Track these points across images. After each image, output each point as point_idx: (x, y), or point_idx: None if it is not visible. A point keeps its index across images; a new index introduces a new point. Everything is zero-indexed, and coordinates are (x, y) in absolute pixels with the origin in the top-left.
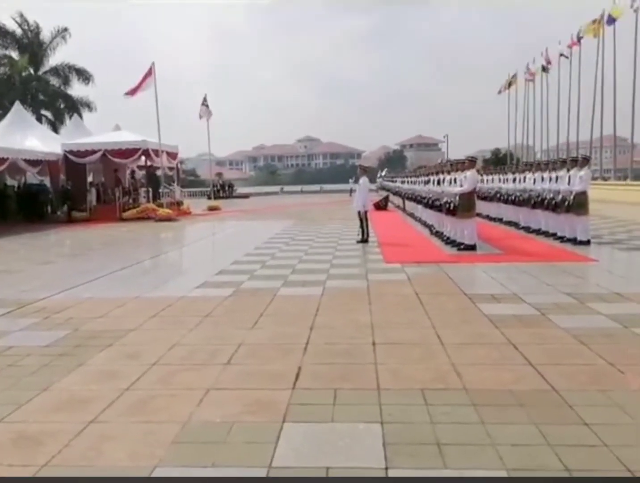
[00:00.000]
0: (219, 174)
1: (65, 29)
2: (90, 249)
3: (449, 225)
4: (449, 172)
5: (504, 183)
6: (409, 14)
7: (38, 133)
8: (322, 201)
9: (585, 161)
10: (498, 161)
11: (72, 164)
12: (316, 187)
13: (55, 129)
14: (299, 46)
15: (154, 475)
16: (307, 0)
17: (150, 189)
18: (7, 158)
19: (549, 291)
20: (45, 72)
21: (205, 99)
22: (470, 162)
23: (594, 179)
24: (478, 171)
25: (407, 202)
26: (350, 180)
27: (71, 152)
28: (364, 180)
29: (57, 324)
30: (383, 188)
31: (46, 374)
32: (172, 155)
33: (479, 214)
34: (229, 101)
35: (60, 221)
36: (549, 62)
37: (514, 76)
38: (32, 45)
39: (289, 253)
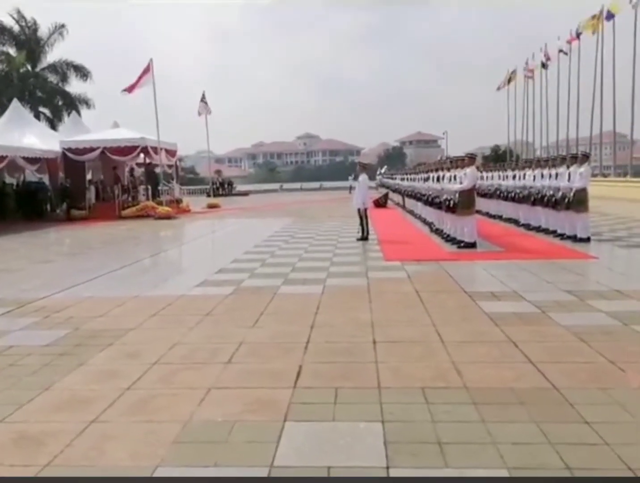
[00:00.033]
0: (218, 172)
1: (63, 26)
2: (90, 247)
3: (448, 222)
4: (448, 170)
5: (503, 180)
6: (409, 14)
7: (36, 131)
8: (322, 198)
9: (585, 157)
10: (498, 158)
11: (71, 162)
12: (316, 184)
13: (54, 127)
14: (298, 45)
15: (155, 475)
16: (306, 0)
17: (149, 187)
18: (6, 156)
19: (549, 288)
20: (43, 69)
21: (203, 96)
22: (470, 159)
23: (594, 175)
24: (478, 168)
25: (406, 199)
26: (350, 177)
27: (70, 149)
28: (363, 177)
29: (57, 323)
30: (382, 185)
31: (47, 373)
32: (171, 152)
33: (478, 212)
34: (228, 99)
35: (59, 219)
36: (548, 59)
37: (514, 72)
38: (29, 42)
39: (289, 251)
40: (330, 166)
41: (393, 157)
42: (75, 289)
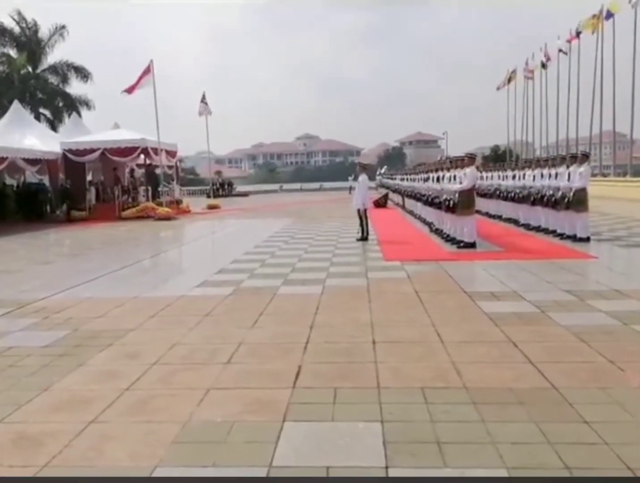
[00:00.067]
0: (218, 173)
1: (63, 27)
2: (90, 248)
3: (448, 222)
4: (448, 170)
5: (503, 179)
6: (409, 14)
7: (37, 132)
8: (322, 198)
9: (585, 157)
10: (497, 158)
11: (71, 163)
12: (315, 185)
13: (54, 128)
14: (298, 45)
15: (154, 475)
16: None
17: (149, 188)
18: (6, 157)
19: (549, 288)
20: (44, 71)
21: (204, 97)
22: (470, 159)
23: (594, 175)
24: (477, 168)
25: (406, 199)
26: (350, 178)
27: (70, 151)
28: (363, 178)
29: (57, 324)
30: (382, 186)
31: (46, 374)
32: (171, 153)
33: (478, 212)
34: (228, 99)
35: (59, 221)
36: (548, 59)
37: (513, 72)
38: (30, 43)
39: (289, 251)
40: (330, 167)
41: (393, 158)
42: (75, 290)
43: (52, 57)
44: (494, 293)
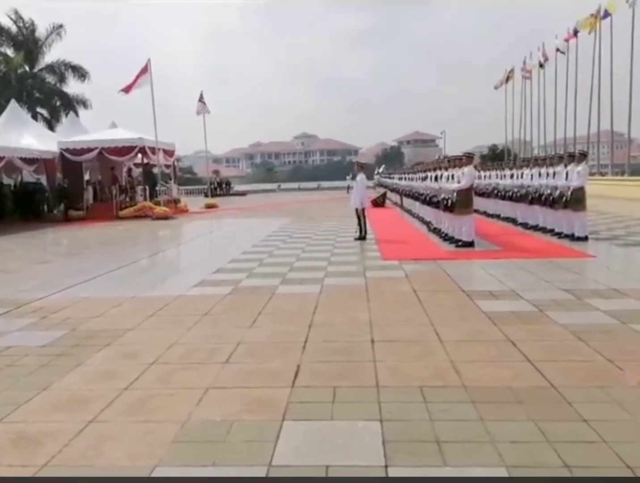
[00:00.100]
0: (216, 172)
1: (61, 26)
2: (87, 248)
3: (446, 222)
4: (446, 169)
5: (501, 179)
6: (409, 14)
7: (34, 131)
8: (320, 198)
9: (583, 156)
10: (495, 157)
11: (69, 162)
12: (313, 184)
13: (51, 127)
14: (298, 45)
15: (154, 474)
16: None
17: (147, 187)
18: (3, 157)
19: (547, 287)
20: (41, 70)
21: (201, 96)
22: (468, 158)
23: (591, 174)
24: (475, 167)
25: (404, 199)
26: (348, 177)
27: (67, 150)
28: (361, 177)
29: (55, 324)
30: (380, 185)
31: (45, 374)
32: (168, 153)
33: (476, 211)
34: (226, 99)
35: (57, 220)
36: (546, 58)
37: (511, 71)
38: (27, 42)
39: (287, 250)
40: (328, 166)
41: (391, 157)
42: (72, 290)
43: (50, 56)
44: (492, 292)
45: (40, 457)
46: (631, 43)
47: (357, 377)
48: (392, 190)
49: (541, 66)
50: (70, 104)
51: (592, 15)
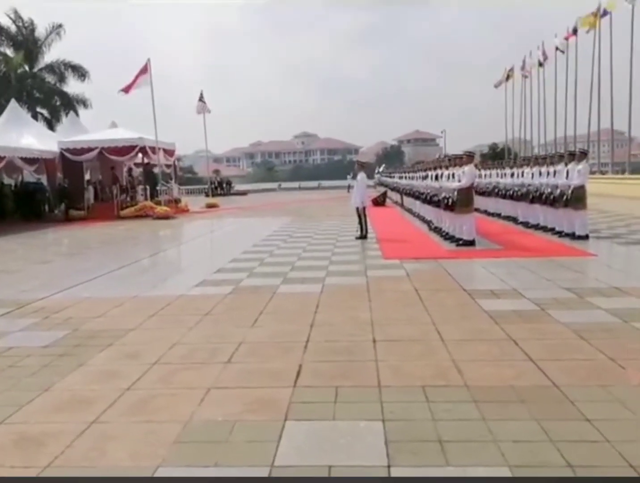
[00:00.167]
0: (217, 171)
1: (60, 25)
2: (88, 248)
3: (447, 221)
4: (446, 168)
5: (502, 177)
6: (409, 14)
7: (34, 131)
8: (320, 197)
9: (583, 154)
10: (496, 156)
11: (69, 162)
12: (314, 183)
13: (52, 127)
14: (298, 45)
15: (156, 475)
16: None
17: (147, 187)
18: (4, 157)
19: (548, 286)
20: (41, 70)
21: (202, 96)
22: (468, 157)
23: (592, 173)
24: (476, 165)
25: (405, 198)
26: (348, 176)
27: (68, 150)
28: (361, 176)
29: (57, 324)
30: (381, 184)
31: (47, 374)
32: (169, 152)
33: (477, 210)
34: (227, 99)
35: (57, 220)
36: (545, 58)
37: (511, 70)
38: (27, 42)
39: (288, 250)
40: (329, 165)
41: (391, 156)
42: (74, 290)
43: (49, 56)
44: (493, 291)
45: (43, 457)
46: (631, 41)
47: (359, 377)
48: (393, 189)
49: (541, 64)
50: (71, 104)
51: (593, 13)
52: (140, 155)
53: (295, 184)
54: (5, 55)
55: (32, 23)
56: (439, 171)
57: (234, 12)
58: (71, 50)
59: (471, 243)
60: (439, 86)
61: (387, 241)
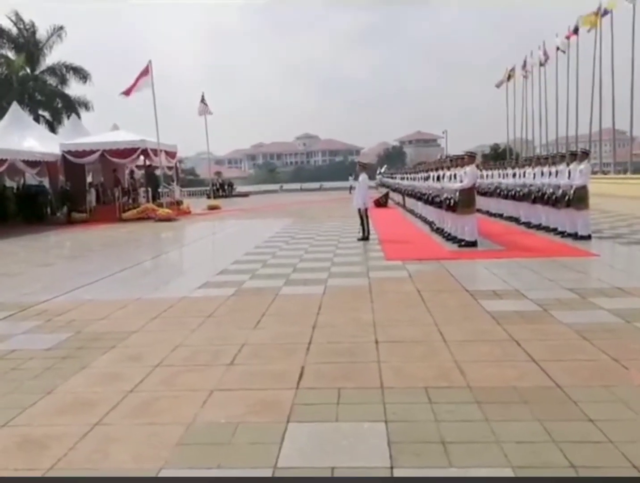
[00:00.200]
0: (218, 173)
1: (61, 28)
2: (91, 250)
3: (449, 221)
4: (448, 168)
5: (503, 178)
6: (409, 14)
7: (36, 134)
8: (322, 198)
9: (585, 154)
10: (497, 156)
11: (71, 165)
12: (316, 184)
13: (53, 129)
14: (298, 45)
15: (159, 476)
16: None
17: (149, 189)
18: (6, 159)
19: (551, 286)
20: (42, 72)
21: (203, 97)
22: (470, 157)
23: (594, 173)
24: (477, 166)
25: (407, 199)
26: (350, 177)
27: (69, 152)
28: (363, 177)
29: (59, 327)
30: (383, 185)
31: (50, 377)
32: (171, 154)
33: (479, 210)
34: (227, 99)
35: (59, 223)
36: (546, 58)
37: (512, 70)
38: (28, 44)
39: (290, 251)
40: (330, 166)
41: (393, 157)
42: (76, 293)
43: (51, 58)
44: (496, 292)
45: (46, 460)
46: (632, 40)
47: (361, 378)
48: (395, 190)
49: (542, 64)
50: (72, 106)
51: (594, 12)
52: (142, 157)
53: (297, 186)
54: (6, 58)
55: (33, 25)
56: (440, 172)
57: (234, 12)
58: (71, 51)
59: (473, 243)
60: (439, 86)
61: (389, 242)
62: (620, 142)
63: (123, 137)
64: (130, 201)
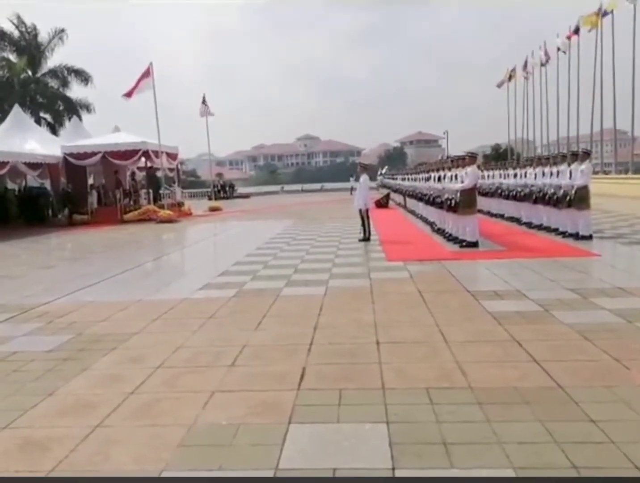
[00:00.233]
0: (219, 175)
1: (63, 30)
2: (92, 252)
3: (450, 222)
4: (449, 169)
5: (505, 178)
6: (409, 14)
7: (37, 136)
8: (323, 199)
9: (586, 154)
10: (498, 157)
11: (72, 167)
12: (317, 186)
13: (55, 132)
14: (298, 45)
15: (162, 476)
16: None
17: (150, 191)
18: (8, 162)
19: (552, 286)
20: (44, 74)
21: (204, 99)
22: (471, 158)
23: (595, 173)
24: (479, 166)
25: (408, 199)
26: (351, 178)
27: (71, 154)
28: (364, 178)
29: (61, 328)
30: (384, 186)
31: (51, 379)
32: (172, 156)
33: (480, 211)
34: (228, 100)
35: (61, 225)
36: (548, 58)
37: (513, 70)
38: (29, 47)
39: (291, 252)
40: (331, 167)
41: (394, 158)
42: (77, 294)
43: (52, 61)
44: (497, 292)
45: (47, 462)
46: (633, 40)
47: (362, 379)
48: (396, 191)
49: (543, 64)
50: (74, 109)
51: (595, 13)
52: (143, 159)
53: (298, 187)
54: (8, 60)
55: (34, 28)
56: (441, 173)
57: (234, 12)
58: (72, 52)
59: (474, 244)
60: (439, 86)
61: (390, 243)
62: (621, 142)
63: (124, 139)
64: (132, 202)
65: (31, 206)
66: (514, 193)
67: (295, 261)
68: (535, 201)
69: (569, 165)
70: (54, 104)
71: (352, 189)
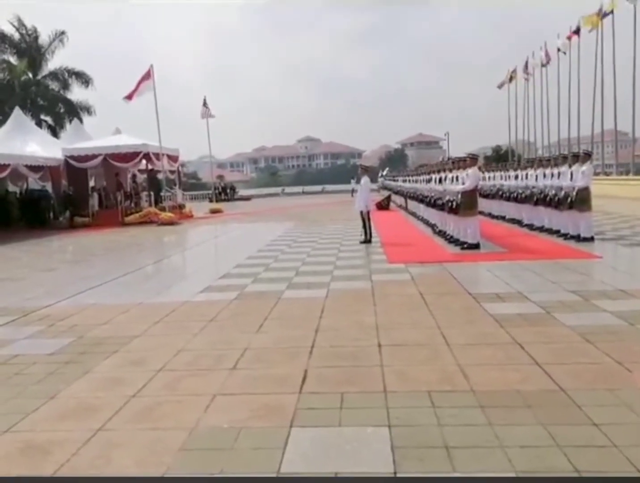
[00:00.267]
0: (220, 177)
1: (63, 32)
2: (93, 255)
3: (451, 224)
4: (450, 171)
5: (506, 180)
6: (409, 14)
7: (38, 138)
8: (324, 201)
9: (587, 156)
10: (499, 158)
11: (74, 169)
12: (318, 188)
13: (55, 134)
14: (298, 45)
15: (163, 476)
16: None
17: (151, 193)
18: (9, 164)
19: (554, 289)
20: (45, 77)
21: (205, 101)
22: (472, 159)
23: (596, 174)
24: (480, 168)
25: (409, 201)
26: (352, 180)
27: (72, 157)
28: (365, 180)
29: (62, 331)
30: (385, 188)
31: (52, 382)
32: (173, 158)
33: (481, 212)
34: (228, 101)
35: (62, 227)
36: (548, 59)
37: (514, 71)
38: (30, 49)
39: (292, 255)
40: (332, 169)
41: (395, 159)
42: (79, 297)
43: (53, 63)
44: (498, 294)
45: (49, 465)
46: (633, 40)
47: (364, 382)
48: (396, 193)
49: (543, 65)
50: (74, 111)
51: (596, 13)
52: (144, 161)
53: (299, 189)
54: (9, 63)
55: (35, 30)
56: (442, 174)
57: (234, 12)
58: (72, 54)
59: (476, 246)
60: (439, 86)
61: (391, 245)
62: (622, 143)
63: (125, 141)
64: (133, 205)
65: (32, 209)
66: (515, 194)
67: (297, 263)
68: (537, 203)
69: (570, 166)
70: (54, 107)
71: (353, 191)
